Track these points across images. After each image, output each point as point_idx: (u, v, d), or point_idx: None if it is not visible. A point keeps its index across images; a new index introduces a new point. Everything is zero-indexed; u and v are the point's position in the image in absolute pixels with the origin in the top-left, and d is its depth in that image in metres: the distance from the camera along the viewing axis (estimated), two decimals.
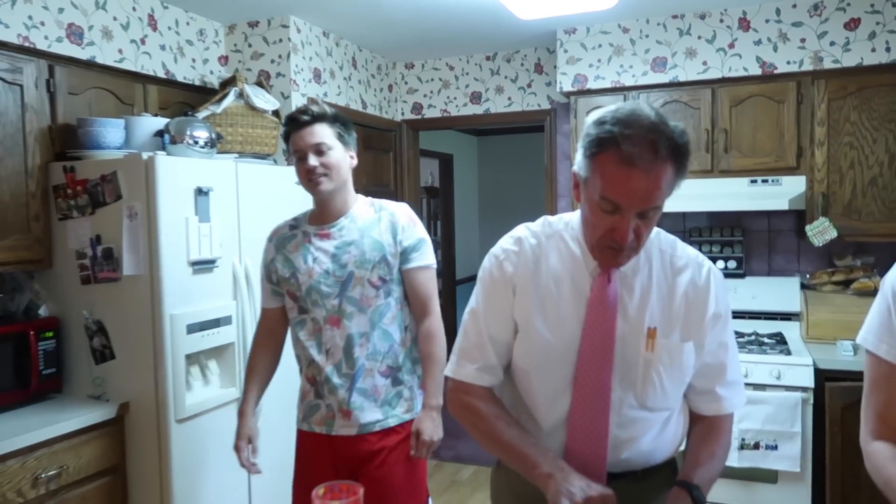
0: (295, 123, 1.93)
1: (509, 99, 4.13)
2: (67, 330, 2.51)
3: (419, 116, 4.35)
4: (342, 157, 1.94)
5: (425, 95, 4.31)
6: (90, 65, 2.66)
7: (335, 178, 1.92)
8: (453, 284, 6.91)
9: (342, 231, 1.95)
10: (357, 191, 2.04)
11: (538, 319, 1.30)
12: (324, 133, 1.90)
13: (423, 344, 1.98)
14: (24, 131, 2.38)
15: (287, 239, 2.01)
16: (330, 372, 1.92)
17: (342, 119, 1.97)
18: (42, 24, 2.46)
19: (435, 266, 2.02)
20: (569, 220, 1.37)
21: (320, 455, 1.95)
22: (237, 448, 2.02)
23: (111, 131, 2.50)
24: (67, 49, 2.55)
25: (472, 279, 7.13)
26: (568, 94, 3.66)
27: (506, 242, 1.38)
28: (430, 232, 7.22)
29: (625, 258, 1.24)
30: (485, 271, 1.38)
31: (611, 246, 1.21)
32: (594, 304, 1.27)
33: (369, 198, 2.04)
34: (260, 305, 2.11)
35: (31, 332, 2.35)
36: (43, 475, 2.12)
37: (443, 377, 1.73)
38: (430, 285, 2.00)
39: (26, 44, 2.40)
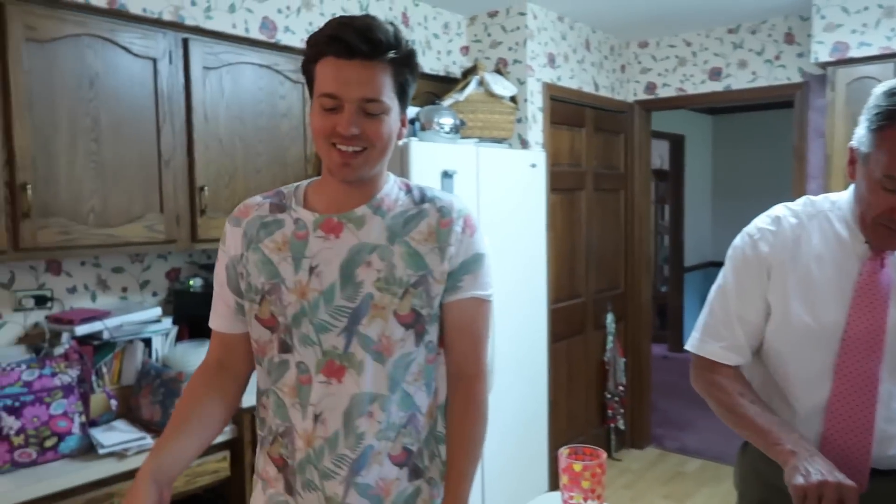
0: (341, 47, 1.09)
1: (753, 73, 3.86)
2: None
3: (652, 96, 4.23)
4: (395, 125, 1.17)
5: (659, 74, 4.19)
6: None
7: (376, 160, 1.16)
8: (681, 272, 6.64)
9: (361, 225, 1.19)
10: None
11: (796, 302, 1.25)
12: (384, 83, 1.12)
13: (456, 417, 1.23)
14: (304, 123, 2.76)
15: (267, 226, 1.22)
16: (319, 451, 1.17)
17: (414, 59, 1.18)
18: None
19: (492, 299, 1.27)
20: (835, 200, 1.30)
21: None
22: None
23: None
24: None
25: (702, 267, 6.76)
26: (824, 65, 3.33)
27: (762, 221, 1.34)
28: (657, 216, 6.99)
29: None
30: (736, 250, 1.35)
31: (889, 226, 1.14)
32: (863, 289, 1.20)
33: (403, 178, 1.29)
34: (211, 323, 1.30)
35: None
36: None
37: (475, 474, 1.21)
38: (483, 328, 1.25)
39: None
